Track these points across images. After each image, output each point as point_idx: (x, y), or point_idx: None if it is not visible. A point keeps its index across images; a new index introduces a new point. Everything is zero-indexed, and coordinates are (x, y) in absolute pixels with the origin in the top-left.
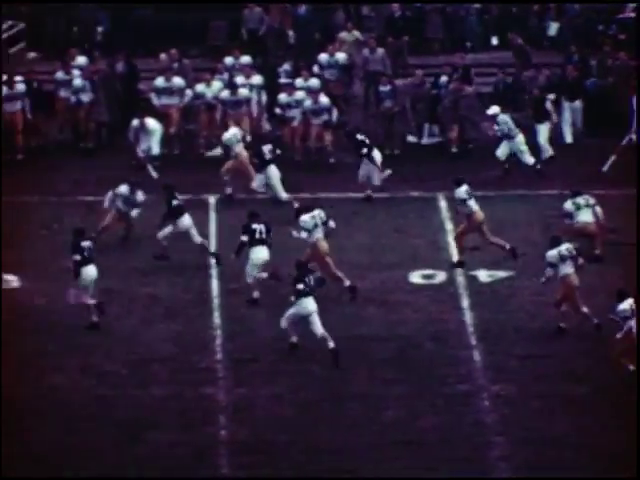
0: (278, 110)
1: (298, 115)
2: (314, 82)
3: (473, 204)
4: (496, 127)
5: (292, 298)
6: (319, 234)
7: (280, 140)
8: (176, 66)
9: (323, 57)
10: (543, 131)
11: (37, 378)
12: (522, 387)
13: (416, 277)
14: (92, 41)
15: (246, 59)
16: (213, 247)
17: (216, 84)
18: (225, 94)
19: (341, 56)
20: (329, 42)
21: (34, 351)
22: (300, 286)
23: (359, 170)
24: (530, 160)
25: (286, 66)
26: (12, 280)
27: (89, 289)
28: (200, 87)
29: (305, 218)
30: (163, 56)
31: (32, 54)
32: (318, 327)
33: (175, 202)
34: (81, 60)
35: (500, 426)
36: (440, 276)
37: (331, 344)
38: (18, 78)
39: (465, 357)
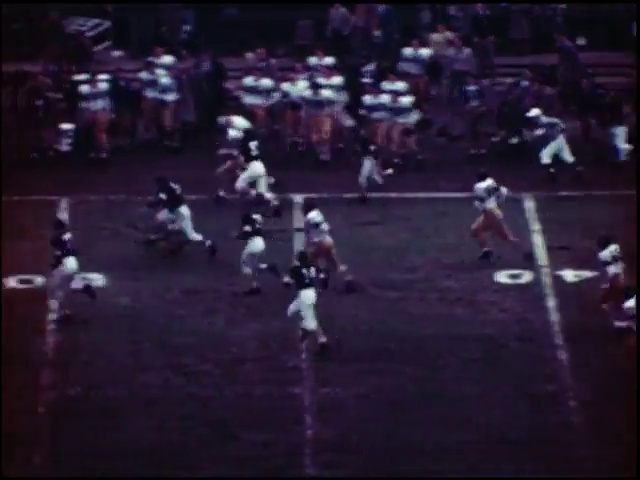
0: (363, 111)
1: (383, 117)
2: (400, 85)
3: (491, 201)
4: (539, 130)
5: (293, 287)
6: (325, 228)
7: (367, 139)
8: (263, 65)
9: (407, 51)
10: (620, 134)
11: (128, 377)
12: (606, 387)
13: (502, 277)
14: (178, 40)
15: (328, 60)
16: (298, 246)
17: (301, 83)
18: (308, 94)
19: (425, 52)
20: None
21: (125, 350)
22: (302, 276)
23: (361, 169)
24: (570, 159)
25: (370, 66)
26: (98, 278)
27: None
28: (285, 86)
29: (313, 215)
30: (249, 55)
31: (117, 53)
32: (311, 319)
33: (177, 191)
34: (167, 59)
35: (586, 426)
36: (526, 276)
37: (323, 339)
38: (101, 76)
39: (551, 357)
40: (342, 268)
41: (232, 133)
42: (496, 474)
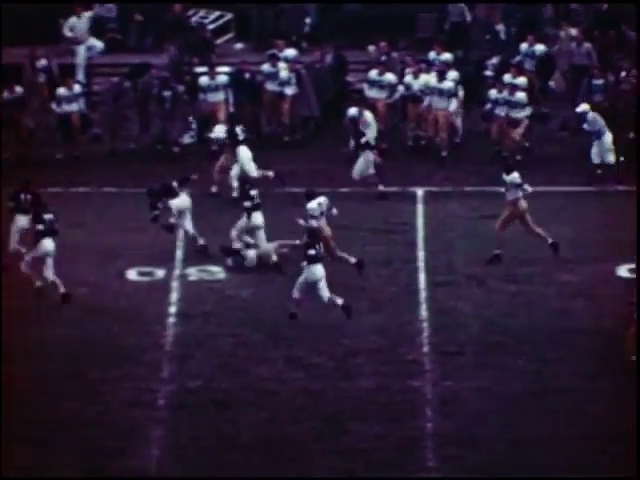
0: (488, 105)
1: (503, 112)
2: (521, 80)
3: (517, 193)
4: (586, 125)
5: (304, 263)
6: (322, 221)
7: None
8: (384, 59)
9: (522, 46)
10: None
11: (243, 370)
12: None
13: (623, 271)
14: (300, 33)
15: (446, 56)
16: (420, 239)
17: (424, 77)
18: (433, 83)
19: (539, 48)
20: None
21: (239, 343)
22: (312, 252)
23: (356, 164)
24: (612, 160)
25: (494, 60)
26: (218, 271)
27: (45, 261)
28: (408, 79)
29: (313, 205)
30: (371, 48)
31: (239, 45)
32: (325, 292)
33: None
34: (289, 52)
35: None
36: None
37: (339, 301)
38: (221, 69)
39: None
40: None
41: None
42: (612, 469)
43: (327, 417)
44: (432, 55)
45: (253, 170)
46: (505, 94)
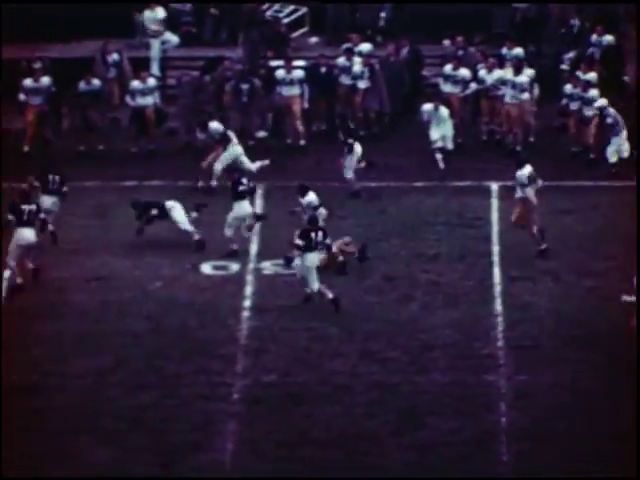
0: (564, 100)
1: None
2: (592, 76)
3: (530, 189)
4: (609, 119)
5: (296, 253)
6: (322, 212)
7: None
8: (461, 53)
9: (592, 38)
10: None
11: (317, 364)
12: None
13: None
14: (375, 27)
15: (517, 51)
16: (495, 234)
17: (498, 71)
18: (509, 77)
19: (607, 38)
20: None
21: (314, 337)
22: (301, 242)
23: (344, 162)
24: (625, 155)
25: (570, 54)
26: (293, 265)
27: (23, 252)
28: (482, 73)
29: (312, 198)
30: (446, 42)
31: (314, 39)
32: (314, 281)
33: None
34: (364, 46)
35: None
36: None
37: (330, 295)
38: (297, 63)
39: None
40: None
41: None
42: None
43: (402, 411)
44: (504, 50)
45: (249, 164)
46: (579, 90)
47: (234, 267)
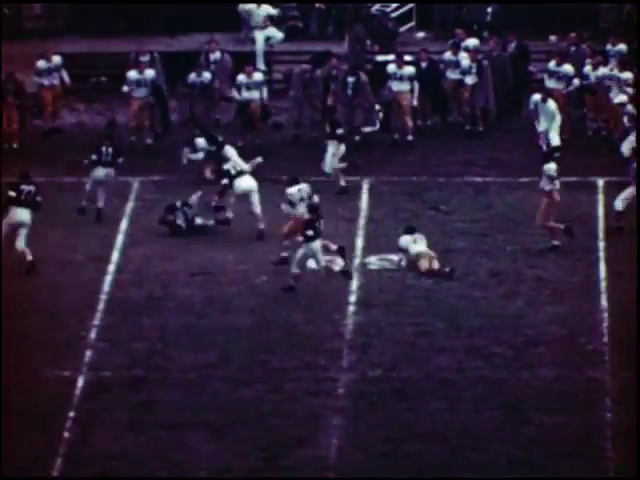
0: None
1: None
2: None
3: (556, 184)
4: (625, 117)
5: (299, 238)
6: (302, 208)
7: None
8: (573, 50)
9: None
10: None
11: (423, 359)
12: None
13: None
14: (481, 22)
15: (621, 47)
16: (601, 229)
17: (602, 68)
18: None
19: None
20: None
21: (420, 332)
22: (310, 232)
23: (326, 156)
24: None
25: None
26: (395, 259)
27: (9, 232)
28: (586, 69)
29: (292, 191)
30: (553, 38)
31: (421, 34)
32: (316, 263)
33: None
34: (470, 42)
35: None
36: None
37: (337, 267)
38: (407, 58)
39: None
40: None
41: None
42: None
43: (507, 407)
44: (608, 46)
45: (243, 164)
46: None
47: (340, 262)
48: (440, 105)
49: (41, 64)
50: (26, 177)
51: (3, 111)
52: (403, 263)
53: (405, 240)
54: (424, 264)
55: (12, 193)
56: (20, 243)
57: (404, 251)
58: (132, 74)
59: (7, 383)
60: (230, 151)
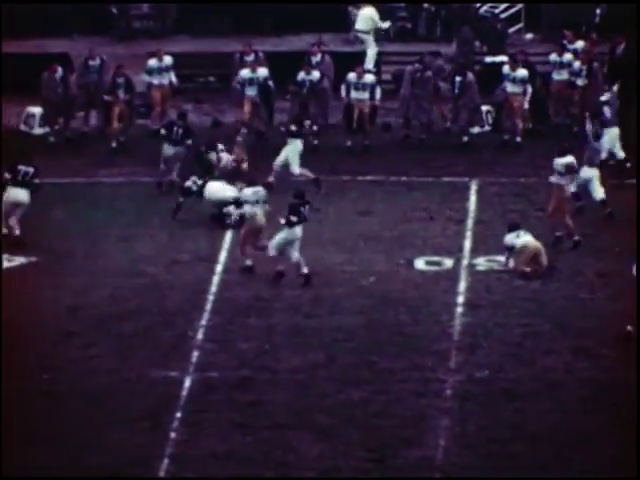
0: None
1: None
2: None
3: (567, 179)
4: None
5: (282, 221)
6: (258, 210)
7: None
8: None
9: None
10: None
11: (530, 360)
12: None
13: None
14: (590, 23)
15: None
16: None
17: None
18: None
19: None
20: None
21: (527, 333)
22: (293, 218)
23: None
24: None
25: None
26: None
27: (10, 211)
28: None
29: (248, 192)
30: None
31: (529, 35)
32: (296, 251)
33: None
34: (579, 44)
35: None
36: None
37: (305, 270)
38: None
39: None
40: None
41: None
42: None
43: (616, 408)
44: None
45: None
46: None
47: (448, 263)
48: (537, 107)
49: (152, 63)
50: (25, 158)
51: (114, 106)
52: (510, 265)
53: (510, 238)
54: (529, 256)
55: (7, 175)
56: (12, 220)
57: (510, 249)
58: (245, 72)
59: (114, 383)
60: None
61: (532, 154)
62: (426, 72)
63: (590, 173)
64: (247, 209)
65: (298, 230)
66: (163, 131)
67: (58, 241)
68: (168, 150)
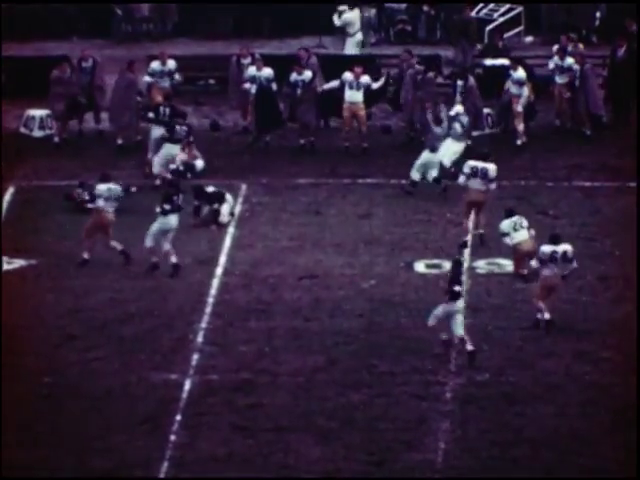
0: None
1: None
2: None
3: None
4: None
5: (158, 209)
6: (109, 208)
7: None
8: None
9: None
10: None
11: (530, 363)
12: None
13: None
14: (590, 27)
15: None
16: None
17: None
18: None
19: None
20: None
21: (527, 336)
22: (166, 206)
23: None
24: None
25: None
26: (507, 265)
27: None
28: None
29: (101, 188)
30: None
31: (529, 38)
32: (168, 242)
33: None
34: (579, 47)
35: None
36: None
37: (173, 259)
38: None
39: None
40: (116, 245)
41: None
42: None
43: (616, 411)
44: None
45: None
46: None
47: (448, 266)
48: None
49: (155, 65)
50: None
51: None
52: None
53: (506, 225)
54: (525, 248)
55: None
56: None
57: (506, 234)
58: (251, 70)
59: (114, 386)
60: None
61: (533, 157)
62: (427, 73)
63: (431, 157)
64: (100, 204)
65: (173, 219)
66: (151, 114)
67: (58, 244)
68: (156, 132)
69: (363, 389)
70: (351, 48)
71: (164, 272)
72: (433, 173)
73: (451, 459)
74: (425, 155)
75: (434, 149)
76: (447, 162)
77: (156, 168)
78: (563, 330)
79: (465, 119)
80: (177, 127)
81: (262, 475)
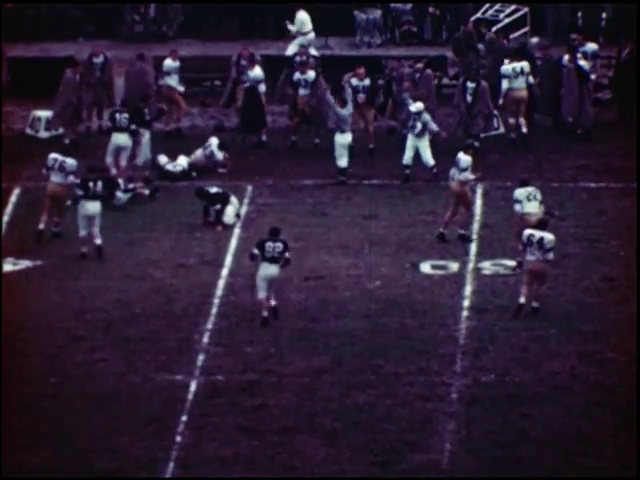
0: None
1: None
2: None
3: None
4: None
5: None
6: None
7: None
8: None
9: None
10: None
11: (536, 364)
12: None
13: None
14: (596, 28)
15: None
16: None
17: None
18: None
19: None
20: None
21: (533, 337)
22: (79, 192)
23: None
24: None
25: None
26: (513, 266)
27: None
28: None
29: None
30: None
31: (535, 39)
32: (95, 227)
33: None
34: (588, 47)
35: None
36: None
37: (97, 241)
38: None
39: None
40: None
41: None
42: None
43: (621, 412)
44: None
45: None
46: None
47: (453, 267)
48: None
49: (169, 63)
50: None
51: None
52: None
53: (520, 193)
54: (533, 220)
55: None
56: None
57: (518, 202)
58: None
59: (120, 387)
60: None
61: (538, 158)
62: (425, 71)
63: (343, 139)
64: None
65: (89, 206)
66: (108, 122)
67: (64, 245)
68: (115, 139)
69: (368, 390)
70: (293, 47)
71: (170, 273)
72: (342, 163)
73: (456, 460)
74: (410, 141)
75: (342, 130)
76: (431, 161)
77: (108, 159)
78: (568, 331)
79: (427, 117)
80: (117, 115)
81: (267, 476)
